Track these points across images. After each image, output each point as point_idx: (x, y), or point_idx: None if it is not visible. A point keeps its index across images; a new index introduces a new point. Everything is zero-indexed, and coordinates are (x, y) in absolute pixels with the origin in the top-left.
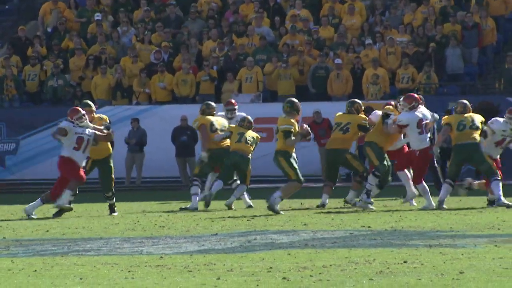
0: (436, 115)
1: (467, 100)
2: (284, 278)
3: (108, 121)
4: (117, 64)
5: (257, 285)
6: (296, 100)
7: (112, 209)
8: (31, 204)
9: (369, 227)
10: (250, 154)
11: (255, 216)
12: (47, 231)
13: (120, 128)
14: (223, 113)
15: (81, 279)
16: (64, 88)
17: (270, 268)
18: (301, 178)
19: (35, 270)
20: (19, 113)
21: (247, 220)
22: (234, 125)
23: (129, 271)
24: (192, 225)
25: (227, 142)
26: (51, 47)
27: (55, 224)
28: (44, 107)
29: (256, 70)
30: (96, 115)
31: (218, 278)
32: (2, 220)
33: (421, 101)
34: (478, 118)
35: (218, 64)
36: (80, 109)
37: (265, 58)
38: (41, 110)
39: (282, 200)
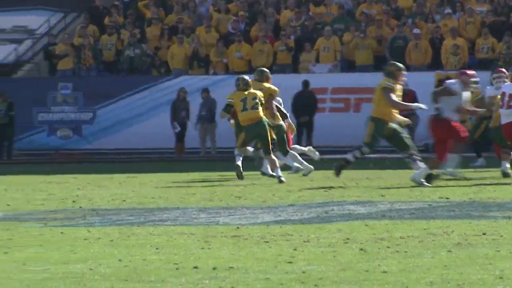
0: None
1: None
2: (361, 249)
3: None
4: (193, 33)
5: (334, 256)
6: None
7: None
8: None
9: (447, 198)
10: (263, 118)
11: (332, 187)
12: (124, 200)
13: (196, 98)
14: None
15: (157, 249)
16: (141, 58)
17: (347, 239)
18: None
19: (111, 240)
20: (96, 83)
21: (324, 190)
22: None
23: (205, 242)
24: (268, 196)
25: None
26: (128, 16)
27: (132, 194)
28: (120, 77)
29: (334, 39)
30: None
31: (295, 249)
32: (78, 190)
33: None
34: None
35: (295, 34)
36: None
37: (343, 27)
38: (117, 79)
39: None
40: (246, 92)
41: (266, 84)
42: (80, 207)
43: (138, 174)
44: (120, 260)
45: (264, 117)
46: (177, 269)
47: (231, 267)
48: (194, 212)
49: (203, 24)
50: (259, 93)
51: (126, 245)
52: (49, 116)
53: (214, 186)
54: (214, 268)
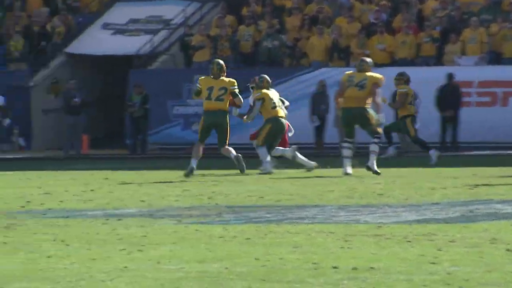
0: None
1: None
2: (508, 250)
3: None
4: (334, 24)
5: (480, 257)
6: None
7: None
8: None
9: None
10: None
11: (477, 185)
12: (261, 197)
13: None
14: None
15: (295, 247)
16: (279, 49)
17: (494, 239)
18: None
19: (248, 238)
20: (232, 75)
21: (469, 188)
22: (263, 91)
23: (345, 241)
24: (411, 193)
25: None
26: (266, 6)
27: (269, 191)
28: (258, 69)
29: (480, 30)
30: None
31: (439, 249)
32: (214, 185)
33: None
34: None
35: (441, 24)
36: None
37: (491, 18)
38: (255, 72)
39: None
40: (216, 80)
41: (369, 73)
42: (216, 203)
43: (275, 169)
44: (257, 259)
45: (225, 108)
46: (315, 269)
47: (372, 268)
48: (333, 210)
49: (343, 14)
50: (230, 83)
51: (263, 244)
52: (185, 109)
53: (353, 182)
54: (354, 268)
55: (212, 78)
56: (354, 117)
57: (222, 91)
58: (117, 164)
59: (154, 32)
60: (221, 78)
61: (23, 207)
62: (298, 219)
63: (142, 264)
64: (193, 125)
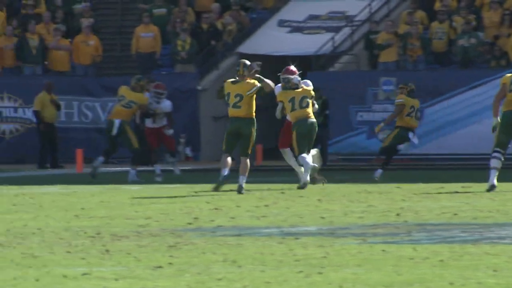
0: None
1: None
2: None
3: None
4: None
5: None
6: None
7: None
8: None
9: None
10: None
11: None
12: (455, 214)
13: None
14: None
15: (495, 271)
16: (477, 48)
17: None
18: None
19: (441, 260)
20: (423, 77)
21: None
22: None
23: None
24: None
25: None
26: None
27: (465, 207)
28: (452, 70)
29: None
30: None
31: None
32: (403, 201)
33: None
34: None
35: None
36: None
37: None
38: (448, 73)
39: None
40: (234, 85)
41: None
42: (405, 221)
43: (472, 183)
44: (451, 284)
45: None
46: None
47: None
48: None
49: None
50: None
51: (457, 266)
52: (369, 115)
53: None
54: None
55: (232, 82)
56: None
57: (238, 98)
58: (294, 176)
59: (336, 29)
60: (245, 81)
61: (191, 224)
62: (497, 239)
63: None
64: (379, 132)
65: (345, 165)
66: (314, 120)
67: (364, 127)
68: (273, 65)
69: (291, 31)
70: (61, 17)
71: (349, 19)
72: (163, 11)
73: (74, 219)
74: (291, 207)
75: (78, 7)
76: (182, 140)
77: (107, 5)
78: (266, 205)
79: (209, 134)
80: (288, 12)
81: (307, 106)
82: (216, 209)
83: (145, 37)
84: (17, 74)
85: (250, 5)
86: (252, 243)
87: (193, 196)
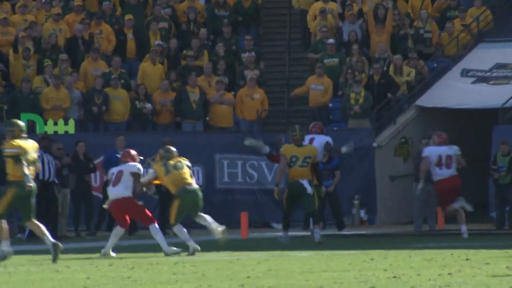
0: None
1: None
2: None
3: None
4: None
5: None
6: None
7: None
8: None
9: None
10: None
11: None
12: None
13: None
14: None
15: None
16: None
17: None
18: None
19: None
20: None
21: None
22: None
23: None
24: None
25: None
26: None
27: None
28: None
29: None
30: None
31: None
32: None
33: None
34: None
35: None
36: None
37: None
38: None
39: None
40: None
41: None
42: None
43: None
44: None
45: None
46: None
47: None
48: None
49: None
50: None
51: None
52: None
53: None
54: None
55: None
56: None
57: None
58: (481, 241)
59: None
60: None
61: None
62: None
63: None
64: None
65: None
66: None
67: None
68: (455, 119)
69: (475, 81)
70: (223, 69)
71: None
72: (335, 61)
73: None
74: (477, 275)
75: (243, 55)
76: (356, 202)
77: (273, 55)
78: (449, 273)
79: (386, 195)
80: (473, 61)
81: None
82: (394, 277)
83: (315, 89)
84: (175, 130)
85: (427, 51)
86: None
87: (368, 263)
